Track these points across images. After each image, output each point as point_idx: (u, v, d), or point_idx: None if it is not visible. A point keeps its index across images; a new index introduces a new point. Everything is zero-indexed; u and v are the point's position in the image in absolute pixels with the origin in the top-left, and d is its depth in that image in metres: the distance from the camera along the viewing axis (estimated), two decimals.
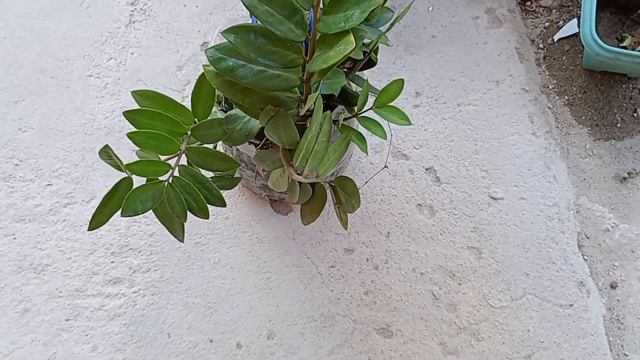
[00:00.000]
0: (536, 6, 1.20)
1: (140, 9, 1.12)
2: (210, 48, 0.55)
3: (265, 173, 0.89)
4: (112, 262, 0.96)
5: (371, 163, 1.04)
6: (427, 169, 1.05)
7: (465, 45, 1.15)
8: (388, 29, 0.66)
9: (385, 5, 0.70)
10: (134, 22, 1.11)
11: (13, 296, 0.94)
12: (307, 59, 0.55)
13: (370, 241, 1.00)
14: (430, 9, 1.17)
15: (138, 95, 0.63)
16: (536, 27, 1.19)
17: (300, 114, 0.60)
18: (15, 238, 0.96)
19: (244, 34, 0.53)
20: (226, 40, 0.52)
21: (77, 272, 0.95)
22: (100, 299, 0.94)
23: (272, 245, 0.98)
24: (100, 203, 0.62)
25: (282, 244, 0.98)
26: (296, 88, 0.59)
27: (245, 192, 1.01)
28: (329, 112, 0.62)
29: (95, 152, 1.01)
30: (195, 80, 0.61)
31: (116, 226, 0.98)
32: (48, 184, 0.99)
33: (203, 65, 0.58)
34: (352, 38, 0.48)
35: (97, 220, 0.64)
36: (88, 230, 0.61)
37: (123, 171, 0.60)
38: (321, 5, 0.52)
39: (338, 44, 0.50)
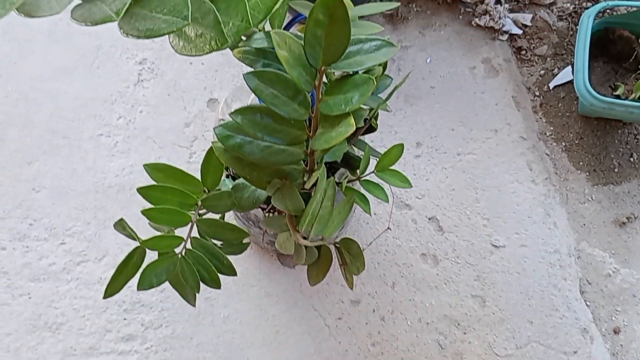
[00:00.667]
0: (531, 55, 1.23)
1: (148, 67, 1.16)
2: (218, 126, 0.58)
3: (272, 231, 0.91)
4: (125, 319, 0.98)
5: (374, 214, 1.07)
6: (429, 219, 1.07)
7: (463, 95, 1.18)
8: (387, 98, 0.70)
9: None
10: (142, 81, 1.15)
11: (29, 355, 0.96)
12: (311, 134, 0.58)
13: (376, 292, 1.02)
14: (428, 61, 1.21)
15: (149, 168, 0.66)
16: (532, 75, 1.22)
17: (306, 187, 0.63)
18: (30, 297, 0.98)
19: (250, 115, 0.57)
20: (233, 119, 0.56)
21: (91, 330, 0.98)
22: (113, 356, 0.96)
23: (280, 299, 1.00)
24: (115, 272, 0.65)
25: (290, 296, 1.00)
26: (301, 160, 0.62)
27: (252, 246, 1.03)
28: (332, 178, 0.65)
29: (106, 210, 1.04)
30: (205, 149, 0.64)
31: (128, 283, 1.01)
32: (62, 243, 1.02)
33: (212, 142, 0.61)
34: (353, 121, 0.51)
35: (112, 288, 0.66)
36: (103, 298, 0.64)
37: (137, 241, 0.63)
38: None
39: (339, 125, 0.53)
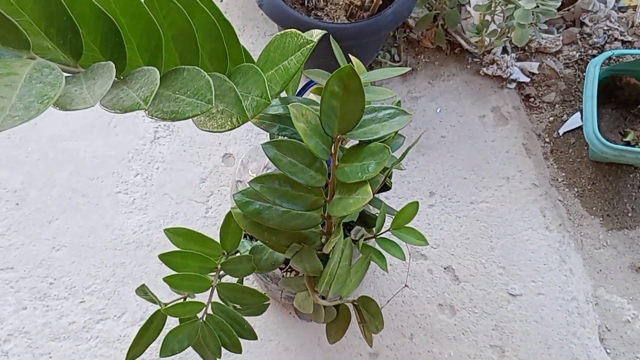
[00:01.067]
0: (540, 102, 1.25)
1: (164, 125, 1.19)
2: (237, 193, 0.60)
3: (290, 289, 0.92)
4: None
5: (390, 264, 1.07)
6: (445, 268, 1.08)
7: (474, 144, 1.20)
8: (401, 158, 0.71)
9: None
10: (158, 138, 1.18)
11: None
12: (328, 199, 0.60)
13: (394, 344, 1.02)
14: (438, 111, 1.23)
15: (170, 233, 0.68)
16: (541, 122, 1.24)
17: (325, 251, 0.64)
18: (51, 357, 0.99)
19: (269, 182, 0.58)
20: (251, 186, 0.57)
21: None
22: None
23: (299, 353, 1.00)
24: (136, 336, 0.66)
25: (308, 350, 1.01)
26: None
27: (270, 300, 1.04)
28: (349, 238, 0.66)
29: (125, 266, 1.06)
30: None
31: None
32: (81, 301, 1.03)
33: (231, 208, 0.63)
34: (369, 189, 0.53)
35: (134, 351, 0.67)
36: None
37: (159, 306, 0.64)
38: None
39: (356, 192, 0.54)
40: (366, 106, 0.55)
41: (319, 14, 1.11)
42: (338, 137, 0.55)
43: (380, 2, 1.04)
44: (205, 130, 0.51)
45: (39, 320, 1.01)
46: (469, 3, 1.26)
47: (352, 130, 0.55)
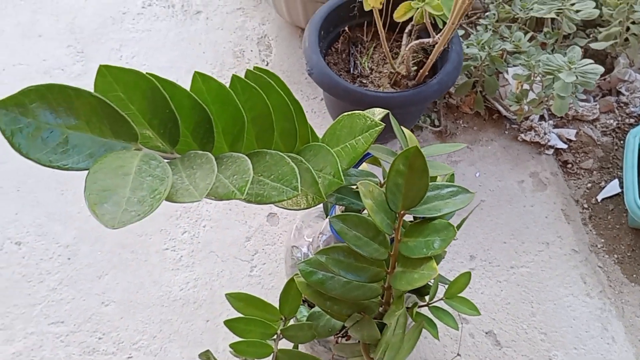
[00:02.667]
0: (577, 168, 1.28)
1: None
2: (301, 262, 0.63)
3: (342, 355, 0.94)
4: None
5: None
6: (487, 333, 1.09)
7: (514, 209, 1.22)
8: (458, 227, 0.74)
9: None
10: None
11: None
12: (389, 271, 0.62)
13: None
14: (477, 175, 1.26)
15: (231, 297, 0.70)
16: (579, 188, 1.26)
17: (385, 321, 0.66)
18: None
19: (334, 254, 0.61)
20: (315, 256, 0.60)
21: None
22: None
23: None
24: None
25: None
26: None
27: None
28: (404, 308, 0.68)
29: (171, 323, 1.08)
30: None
31: None
32: (129, 357, 1.05)
33: (294, 276, 0.66)
34: (435, 265, 0.55)
35: None
36: None
37: None
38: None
39: (421, 267, 0.57)
40: (429, 183, 0.58)
41: (364, 81, 1.16)
42: (402, 212, 0.58)
43: (427, 73, 1.08)
44: (280, 207, 0.55)
45: None
46: (506, 71, 1.30)
47: (416, 206, 0.58)
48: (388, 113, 0.64)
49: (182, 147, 0.46)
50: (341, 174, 0.53)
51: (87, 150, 0.40)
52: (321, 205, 0.91)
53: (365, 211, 0.65)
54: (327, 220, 0.80)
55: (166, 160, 0.41)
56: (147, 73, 0.41)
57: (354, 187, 0.66)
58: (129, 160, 0.40)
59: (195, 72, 0.46)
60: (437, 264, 0.59)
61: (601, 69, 1.05)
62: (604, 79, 1.34)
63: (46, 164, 0.37)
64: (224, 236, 1.18)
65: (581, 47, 1.17)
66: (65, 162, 0.39)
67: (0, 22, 1.52)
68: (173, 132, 0.44)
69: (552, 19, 1.29)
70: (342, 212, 0.64)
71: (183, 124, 0.45)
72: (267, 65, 1.43)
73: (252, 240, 1.17)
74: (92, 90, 0.38)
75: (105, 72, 0.41)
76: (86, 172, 0.37)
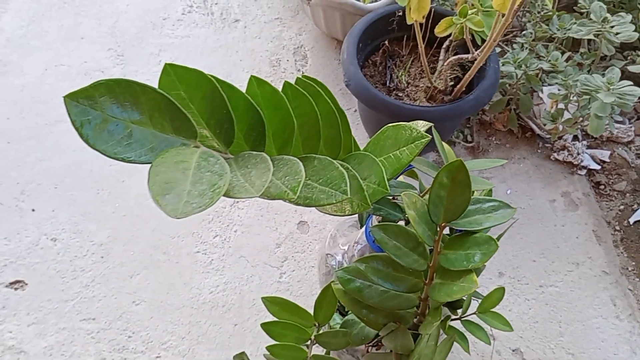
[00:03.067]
0: (610, 190, 1.27)
1: None
2: (339, 270, 0.63)
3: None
4: None
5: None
6: (513, 350, 1.08)
7: (544, 227, 1.21)
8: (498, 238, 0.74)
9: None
10: (237, 202, 1.23)
11: None
12: (427, 282, 0.63)
13: None
14: (508, 192, 1.26)
15: (267, 301, 0.71)
16: (611, 210, 1.25)
17: (421, 332, 0.66)
18: None
19: (373, 263, 0.62)
20: (352, 264, 0.61)
21: None
22: None
23: None
24: None
25: None
26: None
27: None
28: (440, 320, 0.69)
29: (200, 325, 1.09)
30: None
31: None
32: (157, 357, 1.06)
33: (331, 282, 0.66)
34: (476, 278, 0.56)
35: None
36: None
37: None
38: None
39: (461, 280, 0.57)
40: (471, 197, 0.59)
41: (400, 94, 1.17)
42: (443, 225, 0.59)
43: (463, 89, 1.09)
44: (324, 213, 0.56)
45: None
46: (541, 90, 1.30)
47: (457, 219, 0.59)
48: (432, 126, 0.65)
49: (234, 148, 0.47)
50: (386, 182, 0.53)
51: (149, 144, 0.41)
52: (356, 215, 0.92)
53: (401, 222, 0.66)
54: (363, 229, 0.81)
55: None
56: (208, 74, 0.43)
57: (391, 197, 0.67)
58: (188, 156, 0.42)
59: (252, 76, 0.48)
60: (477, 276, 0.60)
61: (639, 91, 1.05)
62: None
63: (111, 155, 0.39)
64: (255, 242, 1.19)
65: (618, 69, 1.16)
66: (129, 155, 0.40)
67: (45, 24, 1.56)
68: (228, 133, 0.46)
69: (589, 40, 1.29)
70: (380, 222, 0.65)
71: (237, 126, 0.46)
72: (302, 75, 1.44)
73: (282, 247, 1.18)
74: (156, 87, 0.40)
75: (170, 71, 0.42)
76: (147, 165, 0.39)
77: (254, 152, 0.46)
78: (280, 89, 0.50)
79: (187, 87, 0.44)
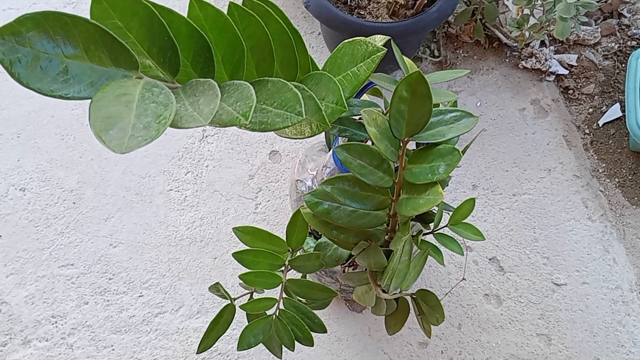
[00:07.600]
0: (579, 94, 1.27)
1: None
2: (307, 194, 0.63)
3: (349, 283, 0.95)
4: None
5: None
6: (490, 259, 1.10)
7: (515, 137, 1.22)
8: (463, 151, 0.74)
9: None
10: (206, 136, 1.21)
11: None
12: (394, 198, 0.62)
13: (443, 334, 1.05)
14: (478, 104, 1.25)
15: (238, 231, 0.71)
16: (580, 114, 1.25)
17: (391, 248, 0.67)
18: (113, 349, 1.03)
19: (339, 184, 0.61)
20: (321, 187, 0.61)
21: None
22: None
23: (350, 343, 1.04)
24: (207, 328, 0.70)
25: (360, 340, 1.04)
26: None
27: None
28: (410, 234, 0.69)
29: (179, 262, 1.10)
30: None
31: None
32: (140, 296, 1.07)
33: (300, 207, 0.66)
34: (441, 189, 0.56)
35: (205, 344, 0.71)
36: (197, 353, 0.69)
37: (229, 300, 0.68)
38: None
39: (427, 193, 0.57)
40: (433, 109, 0.58)
41: (362, 12, 1.14)
42: (405, 139, 0.58)
43: (425, 2, 1.06)
44: (284, 137, 0.55)
45: (100, 314, 1.06)
46: None
47: (419, 132, 0.58)
48: (390, 40, 0.63)
49: (182, 77, 0.46)
50: (344, 100, 0.52)
51: (87, 79, 0.39)
52: (324, 139, 0.91)
53: (368, 141, 0.65)
54: (331, 152, 0.80)
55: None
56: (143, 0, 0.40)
57: (357, 117, 0.66)
58: (131, 88, 0.40)
59: None
60: (442, 189, 0.60)
61: None
62: (606, 1, 1.31)
63: (47, 93, 0.37)
64: (227, 175, 1.18)
65: None
66: (67, 92, 0.38)
67: None
68: (173, 61, 0.44)
69: None
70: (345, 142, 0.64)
71: (182, 53, 0.45)
72: None
73: (256, 178, 1.18)
74: (88, 18, 0.38)
75: None
76: (89, 101, 0.37)
77: (202, 80, 0.45)
78: (226, 12, 0.48)
79: (122, 15, 0.41)
